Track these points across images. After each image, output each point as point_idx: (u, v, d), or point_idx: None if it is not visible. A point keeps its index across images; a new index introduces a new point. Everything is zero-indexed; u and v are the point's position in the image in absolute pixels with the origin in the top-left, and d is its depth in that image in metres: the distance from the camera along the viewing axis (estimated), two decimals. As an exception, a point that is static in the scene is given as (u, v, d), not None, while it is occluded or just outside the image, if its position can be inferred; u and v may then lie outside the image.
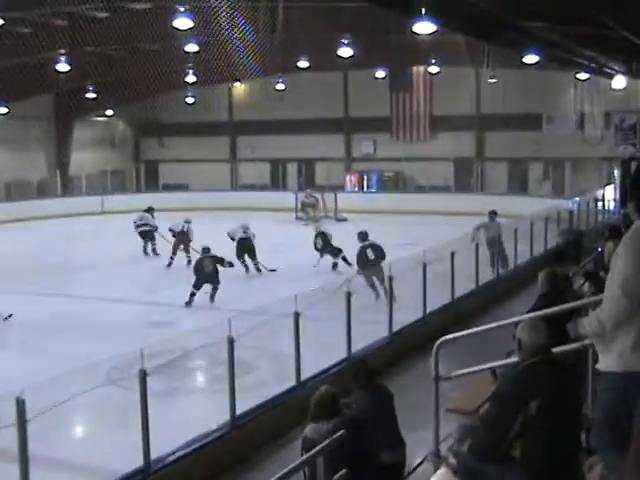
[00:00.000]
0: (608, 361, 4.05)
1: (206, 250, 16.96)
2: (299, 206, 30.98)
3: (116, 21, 20.17)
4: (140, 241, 22.63)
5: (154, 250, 22.44)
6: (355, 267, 16.63)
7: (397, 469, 6.30)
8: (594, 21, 9.84)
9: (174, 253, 20.60)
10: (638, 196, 3.89)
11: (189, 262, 19.63)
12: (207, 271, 16.36)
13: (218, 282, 16.35)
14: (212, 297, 16.21)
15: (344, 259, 18.59)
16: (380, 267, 15.65)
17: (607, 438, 3.96)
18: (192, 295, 16.06)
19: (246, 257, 19.28)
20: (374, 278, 15.79)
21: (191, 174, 37.72)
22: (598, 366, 4.17)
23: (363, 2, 11.19)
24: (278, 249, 21.88)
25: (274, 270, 19.20)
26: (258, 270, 19.27)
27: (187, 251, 20.51)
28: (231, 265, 17.49)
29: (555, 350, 4.75)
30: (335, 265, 19.05)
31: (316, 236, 19.54)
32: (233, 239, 19.49)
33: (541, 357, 4.37)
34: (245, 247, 19.29)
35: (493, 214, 18.47)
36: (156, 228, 22.42)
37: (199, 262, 16.70)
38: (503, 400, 4.44)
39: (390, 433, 6.35)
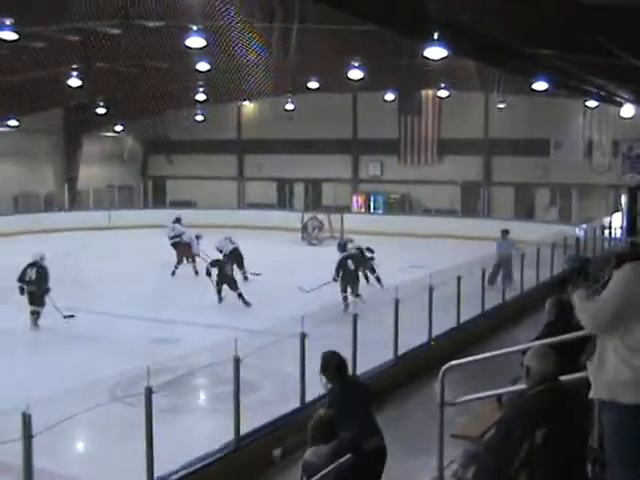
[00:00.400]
0: (598, 390, 4.07)
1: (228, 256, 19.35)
2: (304, 228, 31.03)
3: (128, 38, 20.29)
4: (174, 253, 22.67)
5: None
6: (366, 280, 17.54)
7: (380, 455, 6.31)
8: (602, 49, 9.85)
9: (179, 262, 21.99)
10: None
11: (196, 272, 21.31)
12: (224, 273, 18.00)
13: (236, 288, 17.75)
14: (243, 302, 17.51)
15: (377, 279, 19.11)
16: (357, 278, 16.89)
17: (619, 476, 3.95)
18: (218, 292, 17.81)
19: (235, 266, 19.96)
20: (349, 288, 16.55)
21: (198, 191, 37.79)
22: (591, 395, 4.20)
23: (376, 26, 11.23)
24: (284, 267, 22.01)
25: (259, 274, 20.43)
26: (246, 279, 20.36)
27: (193, 260, 21.84)
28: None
29: (562, 378, 4.74)
30: (367, 279, 19.35)
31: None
32: (221, 251, 20.32)
33: (549, 385, 4.35)
34: (237, 257, 20.34)
35: (505, 232, 19.04)
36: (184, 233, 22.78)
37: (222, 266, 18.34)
38: (509, 426, 4.41)
39: (365, 421, 6.39)
